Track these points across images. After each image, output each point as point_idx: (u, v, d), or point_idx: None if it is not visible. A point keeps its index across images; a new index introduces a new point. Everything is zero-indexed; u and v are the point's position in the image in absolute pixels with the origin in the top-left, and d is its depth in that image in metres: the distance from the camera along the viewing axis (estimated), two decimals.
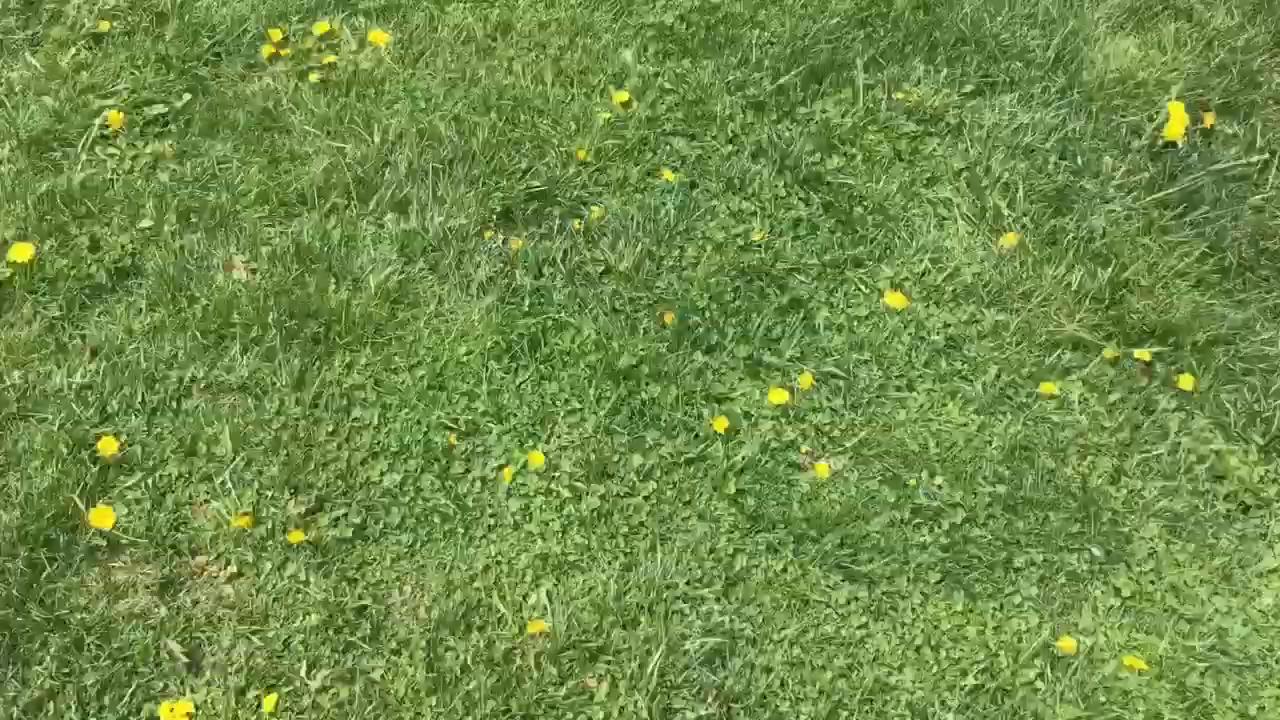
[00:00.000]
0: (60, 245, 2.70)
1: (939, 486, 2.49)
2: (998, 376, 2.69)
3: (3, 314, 2.59)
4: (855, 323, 2.77)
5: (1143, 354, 2.73)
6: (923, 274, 2.87)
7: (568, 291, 2.77)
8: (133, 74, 3.13)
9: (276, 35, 3.31)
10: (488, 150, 3.02)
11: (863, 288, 2.84)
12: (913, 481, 2.50)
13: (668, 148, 3.06)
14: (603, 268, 2.83)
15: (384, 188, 2.92)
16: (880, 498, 2.48)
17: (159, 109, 3.06)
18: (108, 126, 2.98)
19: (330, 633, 2.20)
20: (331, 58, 3.27)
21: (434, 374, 2.59)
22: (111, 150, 2.95)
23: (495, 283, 2.78)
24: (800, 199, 2.99)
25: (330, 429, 2.48)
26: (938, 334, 2.75)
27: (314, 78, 3.20)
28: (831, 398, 2.63)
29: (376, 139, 3.02)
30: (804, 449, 2.54)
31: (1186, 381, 2.69)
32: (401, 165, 2.97)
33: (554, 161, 3.03)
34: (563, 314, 2.72)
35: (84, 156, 2.92)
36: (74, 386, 2.47)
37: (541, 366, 2.62)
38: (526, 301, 2.74)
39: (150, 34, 3.25)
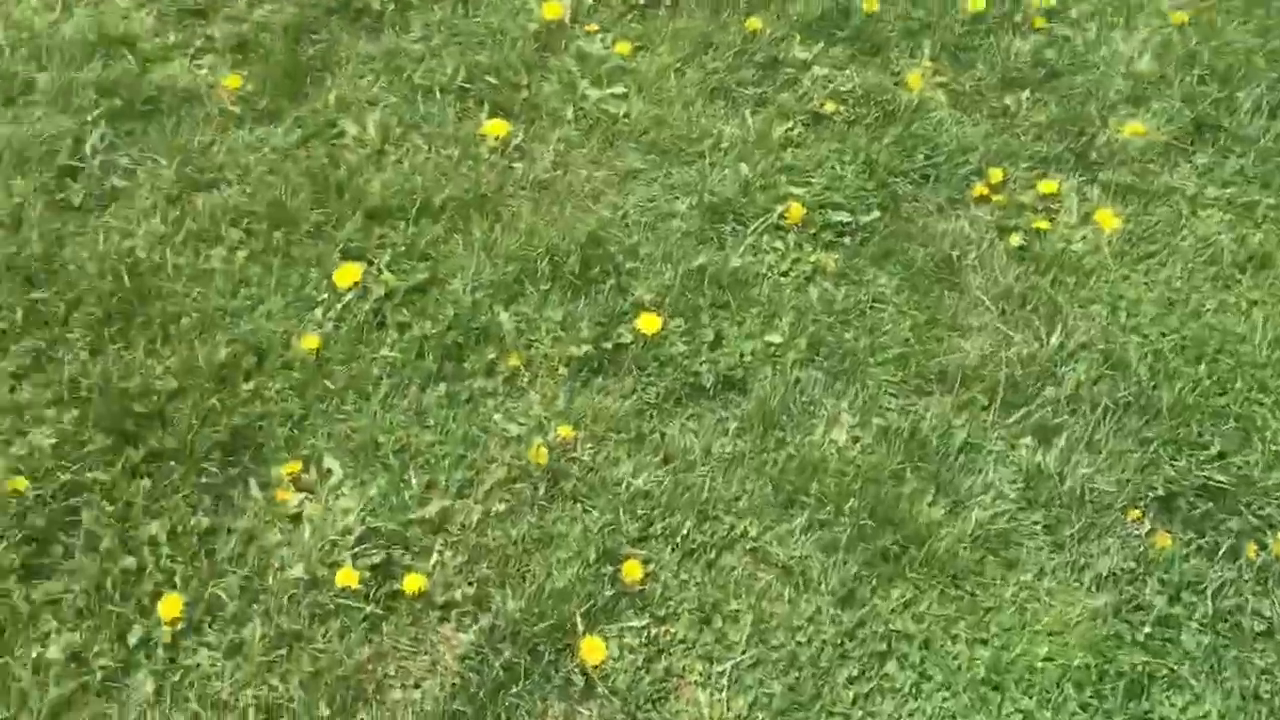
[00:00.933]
0: (688, 328, 2.53)
1: None
2: None
3: (607, 378, 2.46)
4: None
5: None
6: None
7: (1205, 642, 2.11)
8: (833, 168, 2.89)
9: (997, 176, 2.90)
10: (1177, 410, 2.40)
11: None
12: None
13: None
14: (1266, 627, 2.13)
15: (1035, 404, 2.43)
16: None
17: (843, 216, 2.79)
18: (785, 217, 2.76)
19: None
20: (1044, 223, 2.79)
21: (995, 665, 2.08)
22: (778, 244, 2.73)
23: (1117, 583, 2.19)
24: None
25: (854, 672, 2.07)
26: None
27: (1015, 240, 2.75)
28: None
29: (1052, 341, 2.52)
30: None
31: None
32: (1068, 383, 2.45)
33: (1257, 455, 2.34)
34: (1185, 668, 2.07)
35: (749, 240, 2.73)
36: (631, 488, 2.28)
37: None
38: (1146, 627, 2.13)
39: (870, 131, 2.98)
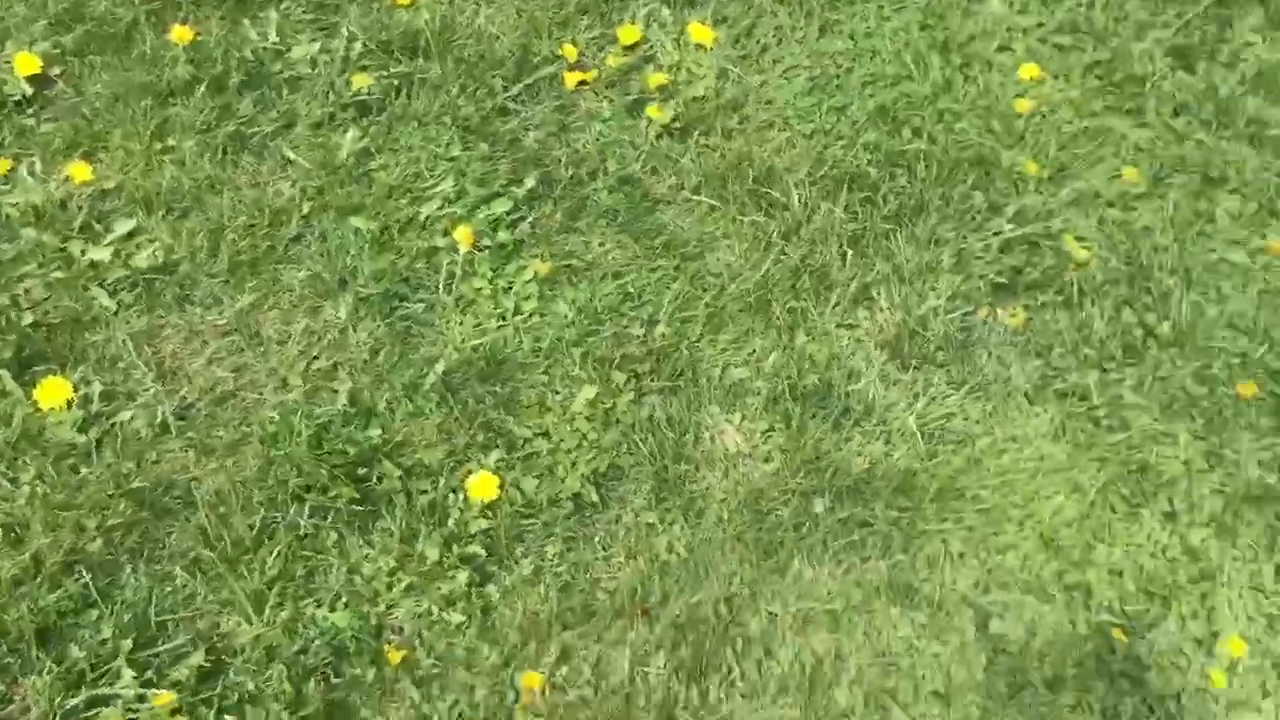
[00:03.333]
0: None
1: None
2: None
3: None
4: None
5: None
6: None
7: None
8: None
9: (571, 52, 2.47)
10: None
11: None
12: None
13: None
14: None
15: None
16: None
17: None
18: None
19: None
20: (661, 77, 2.47)
21: None
22: None
23: None
24: None
25: None
26: None
27: (656, 114, 2.42)
28: None
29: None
30: None
31: None
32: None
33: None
34: None
35: None
36: None
37: None
38: None
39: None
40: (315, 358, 2.04)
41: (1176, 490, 2.08)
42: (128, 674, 1.68)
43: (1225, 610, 1.97)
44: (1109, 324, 2.24)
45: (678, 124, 2.41)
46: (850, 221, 2.32)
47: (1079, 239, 2.34)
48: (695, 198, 2.33)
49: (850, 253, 2.27)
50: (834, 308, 2.22)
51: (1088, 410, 2.15)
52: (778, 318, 2.20)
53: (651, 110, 2.41)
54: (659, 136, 2.40)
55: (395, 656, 1.78)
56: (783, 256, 2.26)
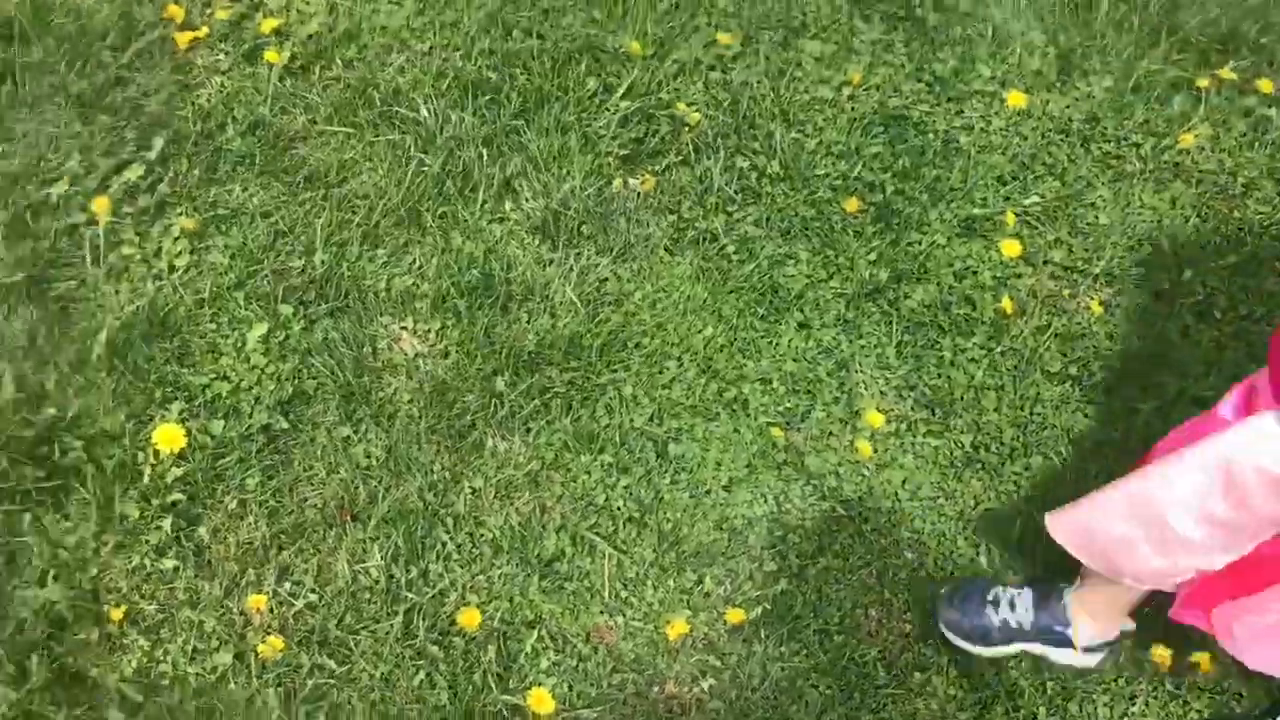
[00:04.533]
0: None
1: None
2: None
3: None
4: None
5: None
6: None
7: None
8: None
9: (178, 13, 2.49)
10: None
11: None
12: None
13: None
14: None
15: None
16: None
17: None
18: None
19: None
20: (273, 21, 2.53)
21: None
22: None
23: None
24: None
25: None
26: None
27: (274, 57, 2.48)
28: None
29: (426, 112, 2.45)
30: None
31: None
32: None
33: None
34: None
35: None
36: None
37: None
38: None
39: None
40: None
41: (805, 301, 2.36)
42: None
43: (861, 391, 2.27)
44: (725, 173, 2.49)
45: (298, 63, 2.48)
46: (482, 125, 2.46)
47: (689, 104, 2.58)
48: (329, 129, 2.41)
49: (486, 152, 2.42)
50: (482, 205, 2.37)
51: (719, 250, 2.40)
52: (431, 225, 2.33)
53: (269, 54, 2.47)
54: (281, 78, 2.46)
55: (117, 614, 1.83)
56: (424, 168, 2.39)
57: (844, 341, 2.32)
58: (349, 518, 1.99)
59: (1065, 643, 1.89)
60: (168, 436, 1.96)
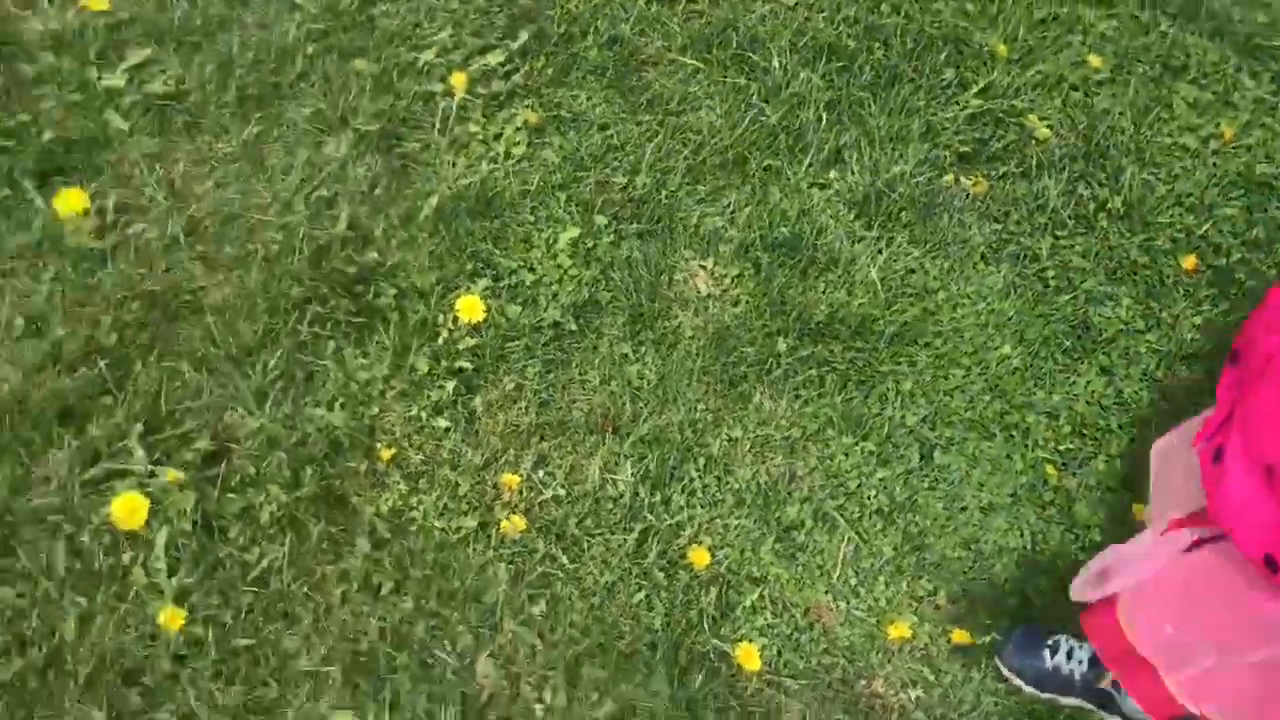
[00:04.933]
0: None
1: None
2: None
3: None
4: None
5: None
6: None
7: None
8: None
9: None
10: None
11: None
12: None
13: None
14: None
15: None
16: None
17: (496, 57, 2.38)
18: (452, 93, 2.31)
19: None
20: None
21: None
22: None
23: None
24: None
25: None
26: None
27: None
28: None
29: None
30: None
31: None
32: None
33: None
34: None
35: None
36: None
37: None
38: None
39: None
40: (316, 187, 2.17)
41: (1115, 347, 2.24)
42: (139, 452, 1.84)
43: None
44: (1063, 195, 2.38)
45: None
46: (827, 89, 2.45)
47: (1041, 118, 2.48)
48: (681, 59, 2.45)
49: (826, 116, 2.40)
50: (807, 168, 2.36)
51: (1038, 271, 2.30)
52: (753, 174, 2.34)
53: None
54: (648, 1, 2.51)
55: (386, 454, 1.94)
56: (761, 118, 2.39)
57: (1146, 399, 2.18)
58: (611, 429, 2.03)
59: (1115, 708, 1.80)
60: (469, 307, 2.05)
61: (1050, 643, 1.86)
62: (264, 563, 1.81)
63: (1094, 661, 1.81)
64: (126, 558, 1.77)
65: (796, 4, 2.55)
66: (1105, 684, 1.81)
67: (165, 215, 2.08)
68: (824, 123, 2.40)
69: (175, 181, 2.14)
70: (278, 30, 2.32)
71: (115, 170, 2.12)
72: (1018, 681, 1.88)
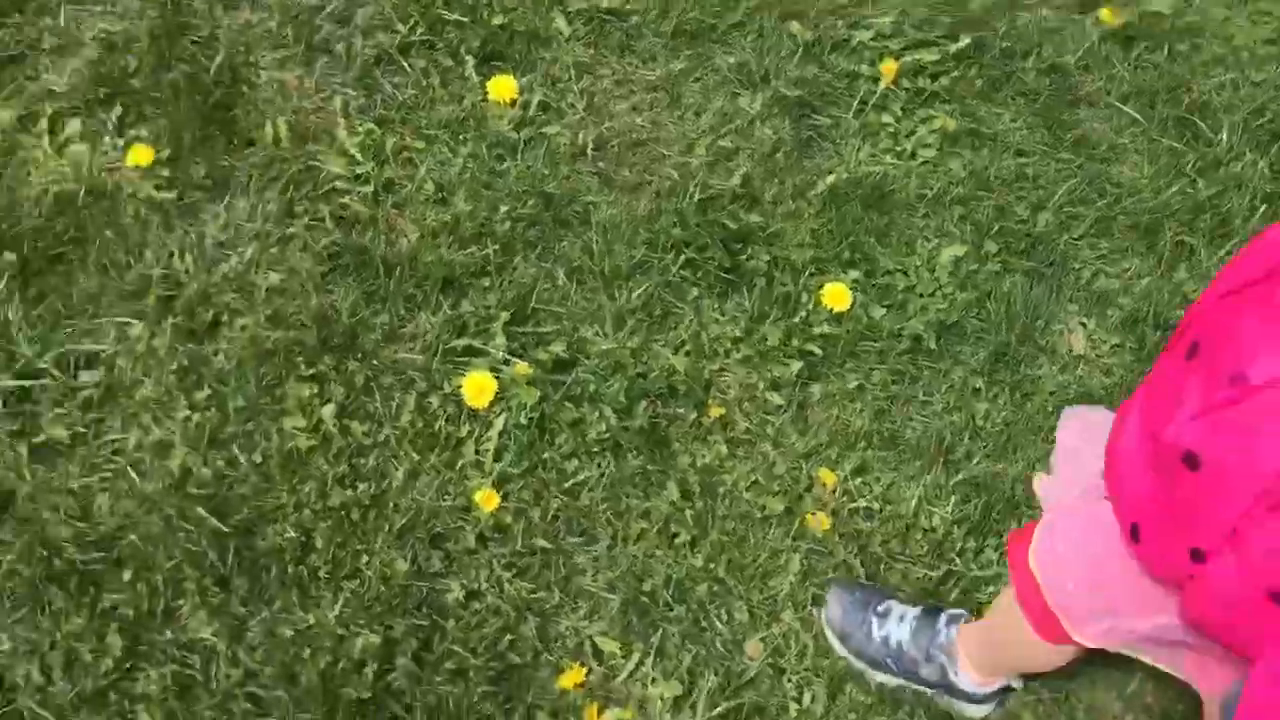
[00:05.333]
0: (844, 276, 2.11)
1: None
2: None
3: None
4: None
5: None
6: None
7: None
8: None
9: None
10: None
11: None
12: None
13: None
14: None
15: None
16: None
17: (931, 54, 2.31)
18: (880, 80, 2.26)
19: None
20: None
21: None
22: (887, 120, 2.25)
23: None
24: None
25: None
26: None
27: (1108, 17, 2.38)
28: None
29: None
30: None
31: None
32: None
33: None
34: None
35: (855, 131, 2.24)
36: None
37: None
38: None
39: None
40: (722, 136, 2.19)
41: None
42: (500, 339, 1.92)
43: None
44: None
45: (1127, 32, 2.38)
46: (1272, 180, 2.24)
47: None
48: (1120, 106, 2.31)
49: (1262, 209, 2.20)
50: (1225, 255, 2.17)
51: None
52: (1164, 246, 2.18)
53: (1104, 12, 2.38)
54: (1103, 38, 2.37)
55: (715, 411, 1.95)
56: (1189, 190, 2.22)
57: None
58: (943, 461, 1.96)
59: (941, 676, 1.70)
60: (836, 295, 2.02)
61: (882, 609, 1.74)
62: (580, 476, 1.85)
63: (922, 621, 1.71)
64: (464, 430, 1.85)
65: (1263, 81, 2.35)
66: (940, 654, 1.69)
67: (579, 124, 2.16)
68: (1257, 215, 2.20)
69: (595, 95, 2.20)
70: None
71: (547, 69, 2.21)
72: (841, 649, 1.77)
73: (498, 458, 1.84)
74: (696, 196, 2.08)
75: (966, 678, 1.71)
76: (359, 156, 2.05)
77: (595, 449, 1.87)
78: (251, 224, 1.97)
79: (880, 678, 1.76)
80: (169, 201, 1.95)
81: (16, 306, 1.83)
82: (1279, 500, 0.96)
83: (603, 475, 1.86)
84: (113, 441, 1.79)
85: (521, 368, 1.90)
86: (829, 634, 1.79)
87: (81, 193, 1.92)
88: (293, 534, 1.75)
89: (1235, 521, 0.99)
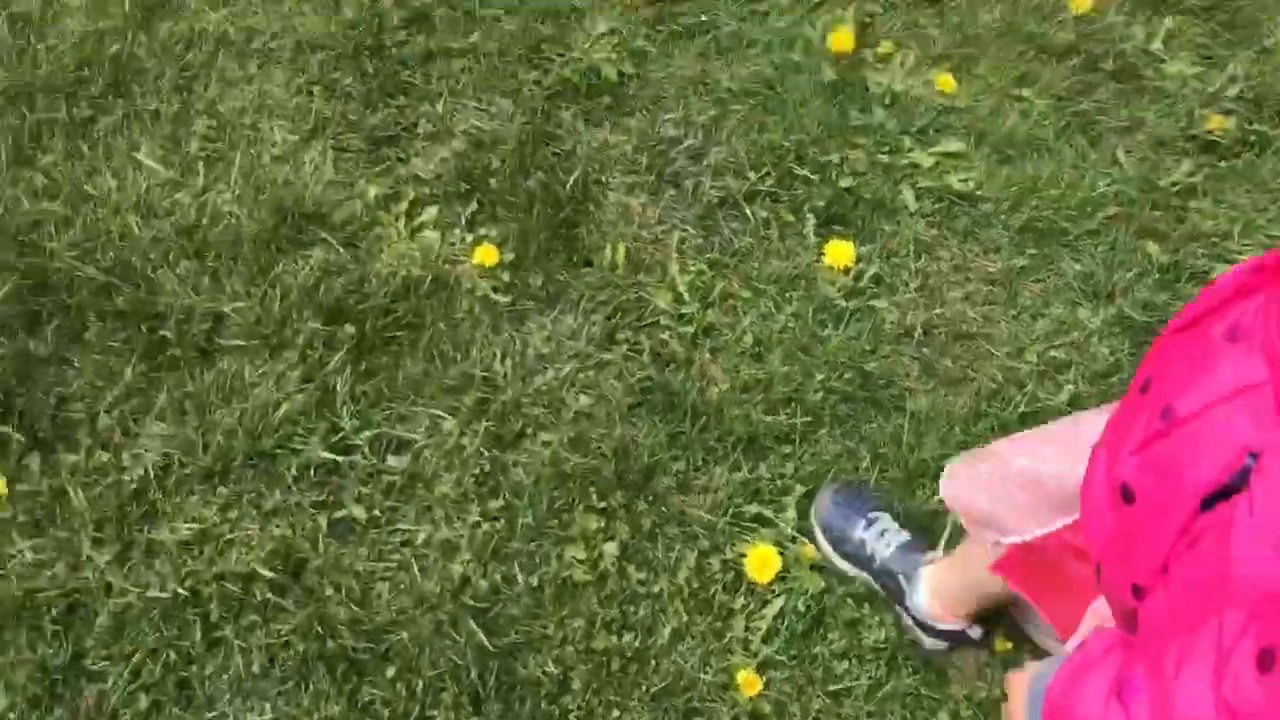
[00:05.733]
0: None
1: None
2: None
3: None
4: None
5: None
6: None
7: None
8: (1258, 221, 2.20)
9: None
10: None
11: None
12: None
13: None
14: None
15: None
16: None
17: None
18: None
19: None
20: None
21: None
22: None
23: None
24: None
25: None
26: None
27: None
28: None
29: None
30: None
31: None
32: None
33: None
34: None
35: None
36: None
37: None
38: None
39: None
40: (1055, 346, 2.08)
41: None
42: (791, 513, 1.86)
43: None
44: None
45: None
46: None
47: None
48: None
49: None
50: None
51: None
52: None
53: None
54: None
55: (1001, 646, 1.82)
56: None
57: None
58: None
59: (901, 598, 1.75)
60: None
61: (873, 517, 1.80)
62: (847, 681, 1.76)
63: (905, 549, 1.76)
64: (738, 602, 1.80)
65: None
66: (907, 577, 1.74)
67: (909, 304, 2.09)
68: None
69: (931, 277, 2.14)
70: (1087, 179, 2.25)
71: (886, 242, 2.16)
72: (824, 543, 1.82)
73: (767, 639, 1.77)
74: (1022, 408, 1.98)
75: (924, 602, 1.72)
76: (686, 295, 2.04)
77: (869, 655, 1.78)
78: (574, 342, 1.98)
79: (851, 572, 1.81)
80: (503, 305, 1.99)
81: (346, 379, 1.89)
82: (1198, 536, 0.89)
83: (872, 685, 1.76)
84: (404, 531, 1.81)
85: (809, 550, 1.83)
86: (816, 530, 1.83)
87: (427, 280, 1.98)
88: (553, 668, 1.72)
89: (1165, 557, 0.93)
